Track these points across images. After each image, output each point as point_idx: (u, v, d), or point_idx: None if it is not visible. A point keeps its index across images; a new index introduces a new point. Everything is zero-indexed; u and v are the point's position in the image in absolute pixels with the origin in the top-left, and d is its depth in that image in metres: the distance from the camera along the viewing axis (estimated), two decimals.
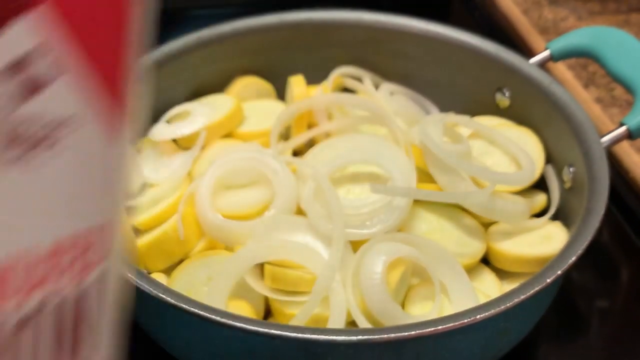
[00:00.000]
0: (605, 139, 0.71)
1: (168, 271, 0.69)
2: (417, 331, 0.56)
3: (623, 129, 0.72)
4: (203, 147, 0.77)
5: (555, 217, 0.73)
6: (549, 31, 1.06)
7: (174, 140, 0.79)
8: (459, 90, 0.84)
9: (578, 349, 0.73)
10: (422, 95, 0.86)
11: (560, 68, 0.97)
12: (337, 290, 0.62)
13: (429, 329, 0.56)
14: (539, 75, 0.77)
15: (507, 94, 0.81)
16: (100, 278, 0.30)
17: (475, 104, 0.83)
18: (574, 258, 0.61)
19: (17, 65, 0.25)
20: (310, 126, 0.80)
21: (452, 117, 0.78)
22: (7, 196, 0.27)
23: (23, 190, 0.27)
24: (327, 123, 0.78)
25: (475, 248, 0.69)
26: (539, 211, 0.74)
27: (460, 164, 0.69)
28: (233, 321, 0.56)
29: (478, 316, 0.57)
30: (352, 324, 0.63)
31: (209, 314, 0.56)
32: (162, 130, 0.78)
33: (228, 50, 0.83)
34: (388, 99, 0.83)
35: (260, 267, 0.66)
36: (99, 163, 0.29)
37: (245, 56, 0.85)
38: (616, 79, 0.76)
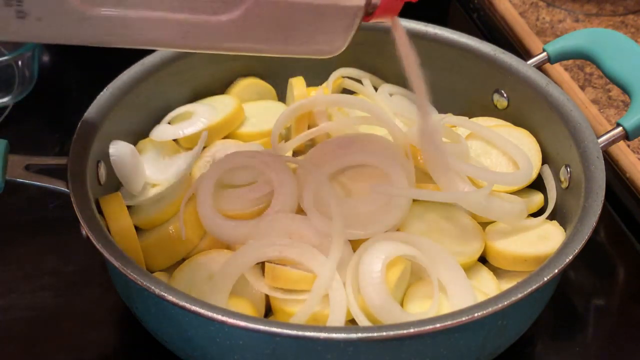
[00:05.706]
0: (602, 139, 0.72)
1: (170, 270, 0.70)
2: (416, 329, 0.56)
3: (619, 129, 0.72)
4: (204, 148, 0.78)
5: (552, 217, 0.73)
6: (546, 33, 1.06)
7: (176, 141, 0.79)
8: (458, 92, 0.84)
9: (575, 346, 0.73)
10: None
11: (558, 69, 0.98)
12: (336, 288, 0.63)
13: (428, 327, 0.56)
14: (537, 77, 0.77)
15: (504, 95, 0.81)
16: None
17: (474, 105, 0.84)
18: (570, 257, 0.61)
19: None
20: (310, 126, 0.81)
21: (450, 118, 0.78)
22: None
23: None
24: (327, 123, 0.79)
25: (473, 247, 0.70)
26: (536, 211, 0.75)
27: (458, 164, 0.70)
28: (234, 319, 0.56)
29: (476, 314, 0.57)
30: (351, 322, 0.63)
31: (210, 312, 0.56)
32: (165, 131, 0.78)
33: None
34: (387, 100, 0.83)
35: (261, 265, 0.67)
36: None
37: (246, 57, 0.85)
38: (612, 80, 0.76)
